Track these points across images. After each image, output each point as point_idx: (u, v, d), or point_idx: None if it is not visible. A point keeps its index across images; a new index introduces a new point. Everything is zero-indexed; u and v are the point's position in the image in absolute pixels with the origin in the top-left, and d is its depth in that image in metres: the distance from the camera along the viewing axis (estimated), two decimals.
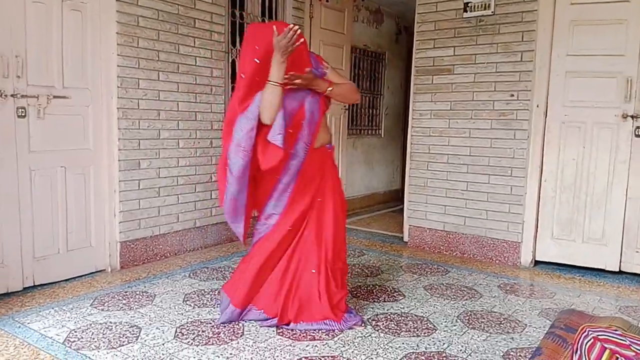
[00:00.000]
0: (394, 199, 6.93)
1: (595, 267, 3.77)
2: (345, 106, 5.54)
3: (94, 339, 2.45)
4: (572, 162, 3.78)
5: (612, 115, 3.64)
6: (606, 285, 3.53)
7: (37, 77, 3.04)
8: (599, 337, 1.66)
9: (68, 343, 2.39)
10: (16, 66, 2.94)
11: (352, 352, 2.39)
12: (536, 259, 3.96)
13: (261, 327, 2.61)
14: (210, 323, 2.66)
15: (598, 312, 2.97)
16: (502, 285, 3.46)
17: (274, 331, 2.59)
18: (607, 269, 3.74)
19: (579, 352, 1.73)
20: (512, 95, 3.90)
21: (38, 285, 3.14)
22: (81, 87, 3.28)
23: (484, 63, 4.01)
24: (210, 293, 3.12)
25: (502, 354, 2.41)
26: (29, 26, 2.99)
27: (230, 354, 2.33)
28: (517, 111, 3.89)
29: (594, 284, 3.57)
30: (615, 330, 1.66)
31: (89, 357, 2.26)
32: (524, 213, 3.92)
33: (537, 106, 3.84)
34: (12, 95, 2.93)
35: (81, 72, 3.27)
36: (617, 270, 3.71)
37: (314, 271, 2.59)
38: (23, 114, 2.99)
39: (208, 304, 2.94)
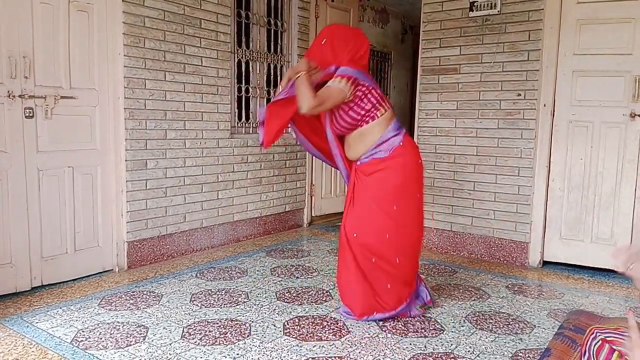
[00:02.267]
0: None
1: (604, 267, 3.74)
2: None
3: (101, 338, 2.45)
4: (580, 162, 3.76)
5: (620, 114, 3.61)
6: (615, 286, 3.51)
7: (44, 77, 3.06)
8: (607, 338, 1.64)
9: (76, 343, 2.40)
10: (24, 67, 2.95)
11: (360, 352, 2.38)
12: (544, 260, 3.93)
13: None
14: (217, 323, 2.66)
15: (607, 313, 2.95)
16: (510, 286, 3.44)
17: (281, 331, 2.59)
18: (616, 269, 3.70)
19: (587, 354, 1.71)
20: (519, 95, 3.88)
21: (46, 285, 3.15)
22: (88, 87, 3.29)
23: (490, 62, 3.99)
24: (217, 293, 3.12)
25: (510, 355, 2.40)
26: (36, 27, 3.00)
27: (237, 354, 2.33)
28: (524, 110, 3.87)
29: (602, 284, 3.55)
30: (624, 332, 1.65)
31: (97, 357, 2.26)
32: (531, 213, 3.90)
33: (544, 105, 3.82)
34: (19, 96, 2.94)
35: (88, 73, 3.28)
36: None
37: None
38: (31, 115, 3.00)
39: (215, 304, 2.94)
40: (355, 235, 2.66)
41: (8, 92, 2.89)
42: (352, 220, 2.70)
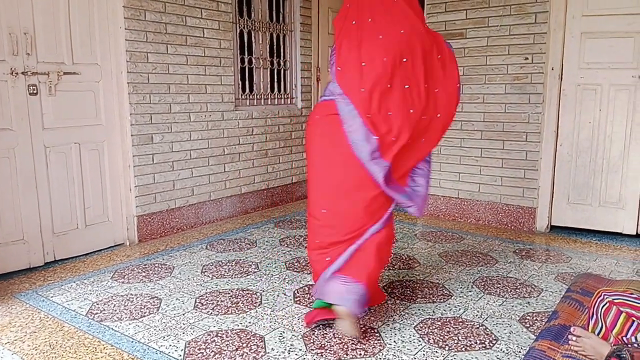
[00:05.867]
0: None
1: (612, 230, 3.75)
2: None
3: (116, 310, 2.50)
4: (588, 126, 3.72)
5: (629, 76, 3.55)
6: (623, 249, 3.52)
7: (46, 53, 3.04)
8: (615, 300, 1.66)
9: (91, 315, 2.45)
10: (25, 43, 2.93)
11: (369, 318, 2.42)
12: (552, 224, 3.94)
13: None
14: (228, 293, 2.71)
15: (615, 276, 2.97)
16: (517, 251, 3.46)
17: (291, 299, 2.63)
18: (624, 232, 3.71)
19: (594, 316, 1.73)
20: (527, 59, 3.82)
21: (59, 260, 3.20)
22: (91, 62, 3.27)
23: (497, 26, 3.92)
24: (228, 264, 3.16)
25: (518, 319, 2.43)
26: (36, 2, 2.96)
27: (249, 322, 2.37)
28: (532, 75, 3.82)
29: (610, 247, 3.56)
30: (632, 294, 1.66)
31: (112, 328, 2.31)
32: (539, 178, 3.88)
33: (552, 69, 3.76)
34: (22, 73, 2.93)
35: (90, 48, 3.26)
36: (635, 233, 3.68)
37: None
38: (35, 92, 2.99)
39: (226, 274, 2.98)
40: None
41: (11, 69, 2.88)
42: None
